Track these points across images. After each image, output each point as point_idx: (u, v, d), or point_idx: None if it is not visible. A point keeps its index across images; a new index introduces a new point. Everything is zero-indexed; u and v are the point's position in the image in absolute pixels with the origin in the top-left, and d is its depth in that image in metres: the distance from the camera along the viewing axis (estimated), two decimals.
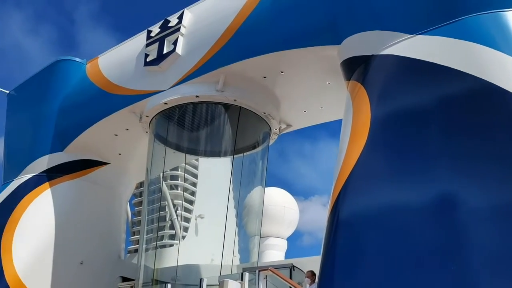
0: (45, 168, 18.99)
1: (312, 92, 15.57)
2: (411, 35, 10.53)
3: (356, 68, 11.61)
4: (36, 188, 18.46)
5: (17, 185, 18.98)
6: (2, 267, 16.22)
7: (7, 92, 22.57)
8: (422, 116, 9.34)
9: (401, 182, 8.90)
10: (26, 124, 20.62)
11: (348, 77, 12.00)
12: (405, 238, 8.30)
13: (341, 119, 12.09)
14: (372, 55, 11.14)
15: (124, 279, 19.15)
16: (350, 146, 10.05)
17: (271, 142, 17.68)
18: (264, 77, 15.22)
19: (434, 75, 9.63)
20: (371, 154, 9.58)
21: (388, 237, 8.48)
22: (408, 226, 8.37)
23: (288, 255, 28.54)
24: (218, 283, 8.47)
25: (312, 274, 10.77)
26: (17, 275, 16.18)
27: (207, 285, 8.99)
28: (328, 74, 14.25)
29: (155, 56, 16.51)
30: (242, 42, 14.61)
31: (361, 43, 11.64)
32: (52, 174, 18.84)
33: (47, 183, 18.60)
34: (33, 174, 19.00)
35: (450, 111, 9.00)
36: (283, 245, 28.80)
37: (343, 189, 9.48)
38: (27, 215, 17.73)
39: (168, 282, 14.85)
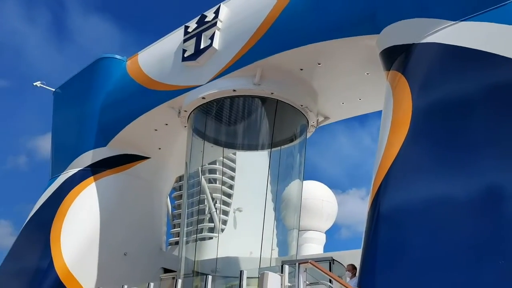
0: (89, 162, 19.71)
1: (350, 83, 15.31)
2: (454, 22, 10.14)
3: (396, 57, 11.31)
4: (82, 182, 19.19)
5: (64, 180, 19.81)
6: (51, 258, 16.99)
7: (53, 90, 23.52)
8: (467, 105, 8.99)
9: (444, 174, 8.61)
10: (71, 120, 21.43)
11: (388, 67, 11.71)
12: (449, 232, 8.04)
13: (381, 111, 11.83)
14: (413, 43, 10.81)
15: (166, 270, 19.64)
16: (390, 138, 9.82)
17: (308, 135, 17.53)
18: (301, 70, 15.09)
19: (479, 63, 9.24)
20: (412, 146, 9.32)
21: (432, 231, 8.25)
22: (453, 219, 8.10)
23: (326, 248, 28.38)
24: (258, 276, 8.49)
25: (353, 267, 10.64)
26: (66, 266, 16.91)
27: (247, 278, 9.05)
28: (367, 64, 13.96)
29: (193, 51, 16.72)
30: (278, 35, 14.54)
31: (401, 32, 11.32)
32: (96, 169, 19.54)
33: (91, 177, 19.31)
34: (79, 169, 19.77)
35: (497, 100, 8.62)
36: (321, 238, 28.61)
37: (384, 182, 9.28)
38: (73, 208, 18.48)
39: (208, 274, 15.09)
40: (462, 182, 8.28)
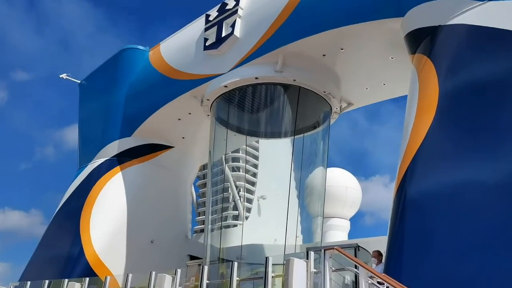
0: (115, 152, 20.10)
1: (374, 68, 15.05)
2: (482, 2, 9.80)
3: (422, 40, 11.03)
4: (109, 172, 19.61)
5: (92, 169, 20.28)
6: (82, 245, 17.49)
7: (79, 82, 23.95)
8: (495, 88, 8.72)
9: (472, 159, 8.41)
10: (97, 111, 21.83)
11: (413, 51, 11.45)
12: (478, 217, 7.88)
13: (406, 96, 11.61)
14: (439, 25, 10.51)
15: (192, 257, 19.96)
16: (416, 123, 9.62)
17: (332, 121, 17.36)
18: (324, 55, 14.91)
19: (508, 44, 8.92)
20: (439, 130, 9.12)
21: (460, 217, 8.09)
22: (481, 204, 7.92)
23: (351, 235, 28.27)
24: (283, 262, 8.52)
25: (378, 254, 10.56)
26: (96, 253, 17.39)
27: (272, 264, 9.10)
28: (391, 48, 13.68)
29: (214, 40, 16.71)
30: (300, 21, 14.36)
31: (426, 14, 11.02)
32: (122, 158, 19.93)
33: (118, 167, 19.70)
34: (105, 159, 20.19)
35: None
36: (346, 225, 28.49)
37: (410, 167, 9.13)
38: (101, 197, 18.93)
39: (234, 261, 15.26)
40: (490, 166, 8.07)
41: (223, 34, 16.43)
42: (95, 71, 23.29)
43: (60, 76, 23.88)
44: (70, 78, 24.00)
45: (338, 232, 26.96)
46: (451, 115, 9.26)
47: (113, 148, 20.14)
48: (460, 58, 9.85)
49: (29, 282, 15.74)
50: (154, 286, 11.00)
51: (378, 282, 7.24)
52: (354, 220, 29.06)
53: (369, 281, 7.11)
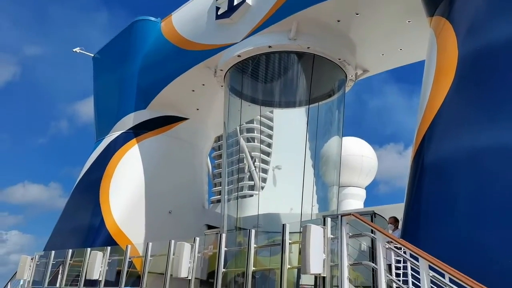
0: (131, 125, 20.29)
1: (391, 33, 14.68)
2: None
3: (440, 2, 10.65)
4: (125, 144, 19.87)
5: (109, 142, 20.56)
6: (102, 216, 17.93)
7: (92, 55, 23.97)
8: None
9: (492, 123, 8.21)
10: (111, 84, 21.92)
11: (431, 13, 11.08)
12: (497, 182, 7.77)
13: (423, 61, 11.32)
14: None
15: (209, 227, 20.32)
16: (434, 87, 9.41)
17: (347, 89, 17.14)
18: (338, 21, 14.57)
19: None
20: (458, 94, 8.91)
21: (479, 181, 7.98)
22: (501, 168, 7.80)
23: (366, 204, 28.32)
24: (299, 230, 8.58)
25: (395, 220, 10.59)
26: (116, 223, 17.83)
27: (289, 232, 9.20)
28: (408, 11, 13.29)
29: (226, 9, 16.44)
30: None
31: None
32: (138, 131, 20.13)
33: (134, 139, 19.93)
34: (122, 131, 20.41)
35: None
36: (361, 194, 28.53)
37: (428, 132, 8.99)
38: (119, 169, 19.26)
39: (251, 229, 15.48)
40: (510, 130, 7.89)
41: (235, 3, 16.14)
42: (108, 44, 23.26)
43: (74, 50, 23.94)
44: (83, 52, 24.04)
45: (354, 200, 27.05)
46: (471, 78, 9.02)
47: (129, 121, 20.32)
48: (480, 20, 9.51)
49: (53, 252, 16.28)
50: (173, 253, 11.25)
51: (395, 247, 7.27)
52: (368, 189, 29.05)
53: (386, 246, 7.13)
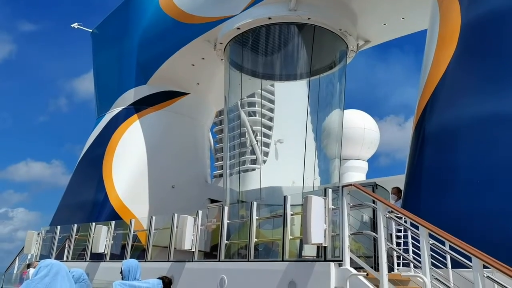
0: (132, 101, 20.22)
1: (393, 2, 14.41)
2: None
3: None
4: (127, 120, 19.85)
5: (110, 118, 20.55)
6: (106, 191, 18.09)
7: (90, 31, 23.68)
8: None
9: (495, 91, 8.14)
10: (111, 60, 21.73)
11: None
12: (499, 150, 7.75)
13: (425, 30, 11.13)
14: None
15: (212, 201, 20.48)
16: (437, 55, 9.28)
17: (348, 60, 16.94)
18: None
19: None
20: (461, 63, 8.79)
21: (480, 151, 7.97)
22: (502, 137, 7.77)
23: (368, 176, 28.36)
24: (301, 203, 8.63)
25: (398, 190, 10.60)
26: (119, 198, 18.01)
27: (291, 205, 9.25)
28: None
29: None
30: None
31: None
32: (139, 106, 20.07)
33: (135, 115, 19.90)
34: (123, 107, 20.36)
35: None
36: (363, 167, 28.53)
37: (430, 102, 8.92)
38: (122, 145, 19.33)
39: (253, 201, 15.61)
40: None
41: None
42: (106, 19, 22.94)
43: (72, 25, 23.63)
44: (81, 27, 23.74)
45: (356, 173, 27.07)
46: (473, 47, 8.88)
47: (130, 97, 20.24)
48: None
49: (59, 227, 16.51)
50: (177, 227, 11.37)
51: (396, 216, 7.31)
52: (370, 162, 29.04)
53: (387, 215, 7.17)
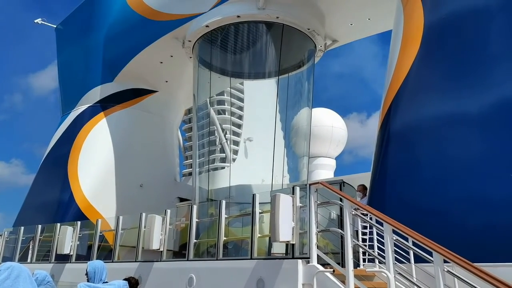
0: (98, 98, 19.80)
1: (359, 2, 14.69)
2: None
3: None
4: (93, 118, 19.43)
5: (75, 116, 20.07)
6: (71, 191, 17.67)
7: (54, 26, 23.02)
8: (482, 17, 8.58)
9: (458, 90, 8.42)
10: (76, 56, 21.20)
11: None
12: (460, 149, 8.04)
13: (391, 30, 11.40)
14: None
15: (182, 200, 20.35)
16: (401, 55, 9.54)
17: (316, 59, 17.16)
18: None
19: None
20: (424, 63, 9.07)
21: (442, 149, 8.25)
22: (464, 136, 8.06)
23: (337, 174, 28.88)
24: (269, 200, 8.70)
25: (363, 188, 10.85)
26: (85, 198, 17.62)
27: (260, 203, 9.31)
28: None
29: None
30: None
31: None
32: (105, 104, 19.67)
33: (102, 113, 19.50)
34: (88, 105, 19.90)
35: None
36: (331, 164, 29.04)
37: (395, 100, 9.16)
38: (88, 143, 18.91)
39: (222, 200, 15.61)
40: (474, 98, 8.11)
41: None
42: (71, 14, 22.35)
43: (35, 21, 22.91)
44: (45, 23, 23.06)
45: (324, 171, 27.53)
46: (436, 47, 9.17)
47: (96, 94, 19.81)
48: None
49: (22, 228, 16.02)
50: (145, 226, 11.25)
51: (362, 213, 7.48)
52: (335, 159, 29.54)
53: (353, 213, 7.32)
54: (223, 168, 22.24)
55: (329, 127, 27.72)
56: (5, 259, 16.02)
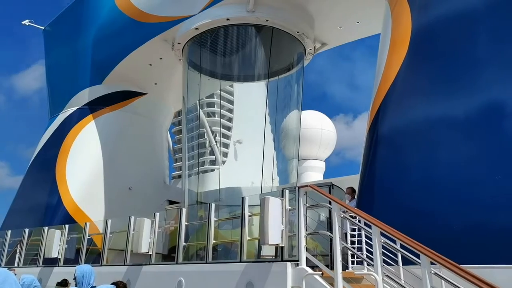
0: (87, 101, 19.65)
1: (348, 6, 14.80)
2: None
3: None
4: (81, 121, 19.27)
5: (63, 118, 19.89)
6: (59, 194, 17.48)
7: (42, 28, 22.82)
8: (469, 21, 8.68)
9: (445, 93, 8.52)
10: (64, 58, 21.02)
11: None
12: (447, 151, 8.13)
13: (379, 34, 11.51)
14: None
15: (171, 202, 20.25)
16: (389, 59, 9.63)
17: (306, 62, 17.23)
18: None
19: None
20: (411, 66, 9.16)
21: (430, 151, 8.33)
22: (451, 138, 8.16)
23: (326, 176, 28.96)
24: (259, 203, 8.71)
25: (352, 190, 10.90)
26: (74, 201, 17.44)
27: (249, 205, 9.31)
28: None
29: None
30: None
31: None
32: (94, 107, 19.53)
33: (90, 115, 19.34)
34: (77, 107, 19.74)
35: (501, 13, 8.31)
36: (321, 166, 29.12)
37: (383, 104, 9.24)
38: (76, 146, 18.74)
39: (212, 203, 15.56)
40: (461, 101, 8.20)
41: None
42: (59, 16, 22.17)
43: (23, 22, 22.69)
44: (33, 25, 22.85)
45: (313, 173, 27.59)
46: (423, 50, 9.27)
47: (84, 96, 19.65)
48: None
49: (9, 231, 15.82)
50: (133, 229, 11.17)
51: (351, 216, 7.52)
52: (326, 162, 29.64)
53: (342, 215, 7.37)
54: (212, 170, 22.19)
55: (318, 130, 27.82)
56: None
